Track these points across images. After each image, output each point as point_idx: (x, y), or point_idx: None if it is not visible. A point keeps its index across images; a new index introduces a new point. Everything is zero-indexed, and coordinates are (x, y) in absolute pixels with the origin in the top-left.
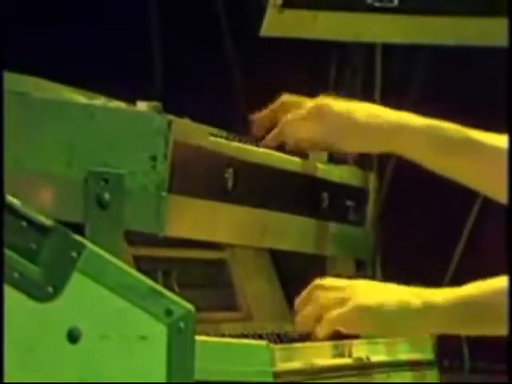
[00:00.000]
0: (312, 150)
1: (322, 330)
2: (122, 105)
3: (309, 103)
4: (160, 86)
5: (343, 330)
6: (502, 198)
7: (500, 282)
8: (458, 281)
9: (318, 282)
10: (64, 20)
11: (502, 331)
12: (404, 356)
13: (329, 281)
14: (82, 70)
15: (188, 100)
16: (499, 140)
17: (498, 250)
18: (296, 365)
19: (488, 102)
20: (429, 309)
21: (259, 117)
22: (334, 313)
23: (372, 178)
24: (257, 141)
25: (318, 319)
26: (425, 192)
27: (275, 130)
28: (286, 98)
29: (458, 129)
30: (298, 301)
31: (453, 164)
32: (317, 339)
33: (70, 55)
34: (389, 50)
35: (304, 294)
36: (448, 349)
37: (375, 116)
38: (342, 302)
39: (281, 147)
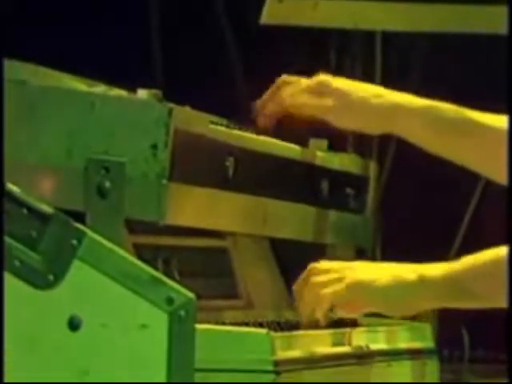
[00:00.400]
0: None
1: (320, 310)
2: (122, 93)
3: (308, 80)
4: (160, 86)
5: (339, 307)
6: (501, 179)
7: (496, 253)
8: None
9: (312, 265)
10: (64, 20)
11: (500, 303)
12: (404, 344)
13: (324, 264)
14: (81, 71)
15: (189, 100)
16: (499, 120)
17: (499, 239)
18: (296, 353)
19: (488, 90)
20: (423, 282)
21: (260, 100)
22: (330, 289)
23: (372, 166)
24: (257, 126)
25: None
26: (425, 179)
27: (274, 100)
28: (285, 78)
29: (457, 110)
30: (295, 286)
31: (452, 145)
32: (317, 326)
33: (70, 55)
34: (389, 37)
35: (300, 278)
36: (448, 338)
37: (375, 95)
38: (337, 280)
39: (279, 135)
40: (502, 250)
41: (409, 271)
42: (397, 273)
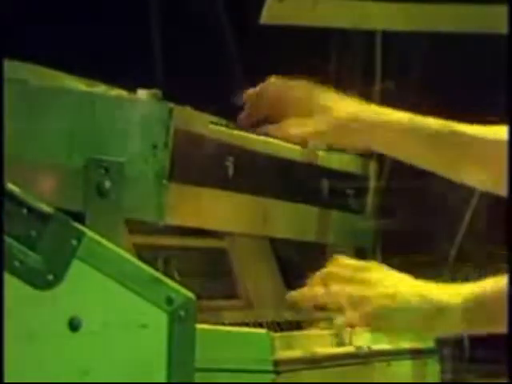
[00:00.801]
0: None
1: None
2: (122, 93)
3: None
4: (160, 86)
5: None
6: (491, 188)
7: (495, 284)
8: (459, 268)
9: (332, 269)
10: (64, 20)
11: (501, 330)
12: (405, 344)
13: (342, 268)
14: (81, 71)
15: (189, 100)
16: (486, 131)
17: (499, 239)
18: (296, 353)
19: (488, 89)
20: (442, 313)
21: (246, 100)
22: (351, 314)
23: (372, 166)
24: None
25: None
26: (425, 178)
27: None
28: (270, 82)
29: (438, 121)
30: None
31: (434, 156)
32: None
33: (70, 55)
34: (389, 37)
35: (317, 277)
36: (448, 338)
37: (360, 111)
38: (360, 301)
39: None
40: (501, 281)
41: (427, 299)
42: (414, 301)
